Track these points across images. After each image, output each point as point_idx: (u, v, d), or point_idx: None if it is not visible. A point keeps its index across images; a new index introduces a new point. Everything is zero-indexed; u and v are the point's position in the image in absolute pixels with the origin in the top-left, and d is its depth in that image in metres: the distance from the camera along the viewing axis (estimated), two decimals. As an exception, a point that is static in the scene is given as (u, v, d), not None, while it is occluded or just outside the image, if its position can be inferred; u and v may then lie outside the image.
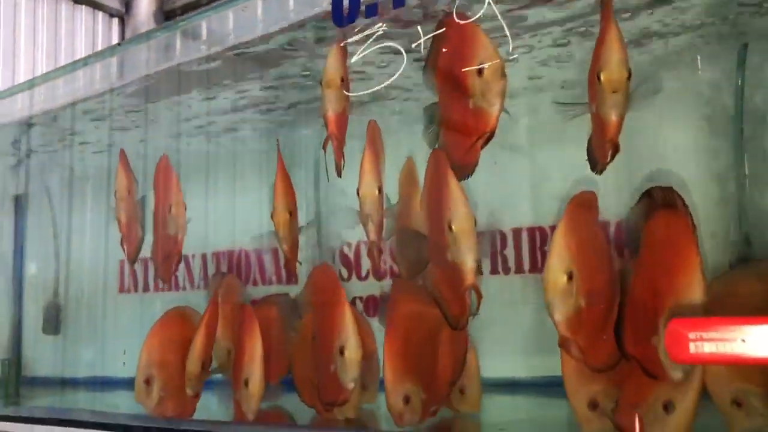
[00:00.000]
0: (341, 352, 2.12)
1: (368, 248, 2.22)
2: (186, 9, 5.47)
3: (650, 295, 1.60)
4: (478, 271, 1.83)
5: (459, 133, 1.85)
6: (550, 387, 2.33)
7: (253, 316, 2.36)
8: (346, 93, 2.08)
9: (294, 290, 2.59)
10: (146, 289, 3.76)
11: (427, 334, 2.06)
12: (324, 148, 2.10)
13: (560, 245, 1.69)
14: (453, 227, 1.80)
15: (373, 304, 3.06)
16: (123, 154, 3.00)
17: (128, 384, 3.49)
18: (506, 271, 2.98)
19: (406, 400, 1.99)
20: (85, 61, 3.63)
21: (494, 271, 2.97)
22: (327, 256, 3.31)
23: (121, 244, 2.98)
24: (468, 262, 1.80)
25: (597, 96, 1.64)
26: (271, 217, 2.49)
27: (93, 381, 3.66)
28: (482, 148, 1.81)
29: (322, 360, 2.20)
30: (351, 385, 2.13)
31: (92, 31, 5.62)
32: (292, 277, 2.78)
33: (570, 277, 1.66)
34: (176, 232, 2.72)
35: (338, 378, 2.12)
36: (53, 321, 3.96)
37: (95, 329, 3.72)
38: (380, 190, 2.13)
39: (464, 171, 1.85)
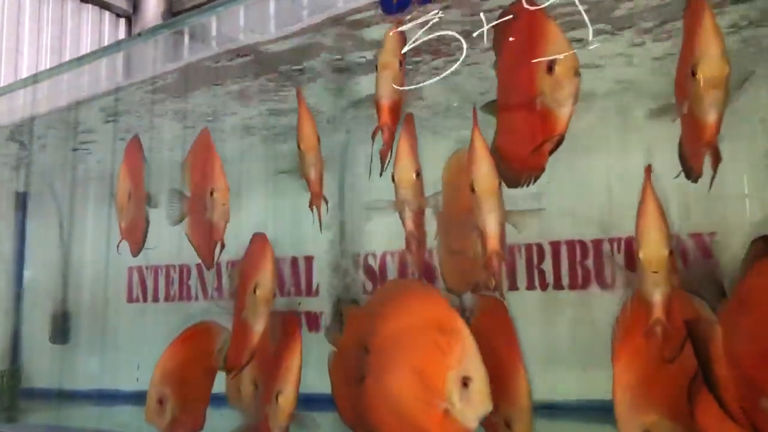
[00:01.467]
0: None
1: (405, 239, 1.93)
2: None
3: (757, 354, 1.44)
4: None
5: (520, 135, 1.70)
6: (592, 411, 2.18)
7: (298, 328, 2.18)
8: (401, 85, 1.89)
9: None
10: (156, 299, 3.60)
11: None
12: (373, 137, 1.89)
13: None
14: (475, 188, 1.65)
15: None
16: (132, 148, 2.74)
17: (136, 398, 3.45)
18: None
19: None
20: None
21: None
22: (351, 266, 3.16)
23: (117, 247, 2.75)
24: (491, 225, 1.65)
25: (690, 94, 1.49)
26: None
27: (99, 394, 3.51)
28: (551, 153, 1.65)
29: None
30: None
31: (98, 31, 5.49)
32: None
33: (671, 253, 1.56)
34: (218, 219, 2.36)
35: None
36: (61, 330, 3.81)
37: (104, 339, 3.56)
38: (418, 175, 1.89)
39: (526, 175, 1.70)
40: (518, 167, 1.74)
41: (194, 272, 3.63)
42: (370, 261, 3.23)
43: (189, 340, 2.43)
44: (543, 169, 1.70)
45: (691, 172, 1.61)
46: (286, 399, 2.07)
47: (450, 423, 1.65)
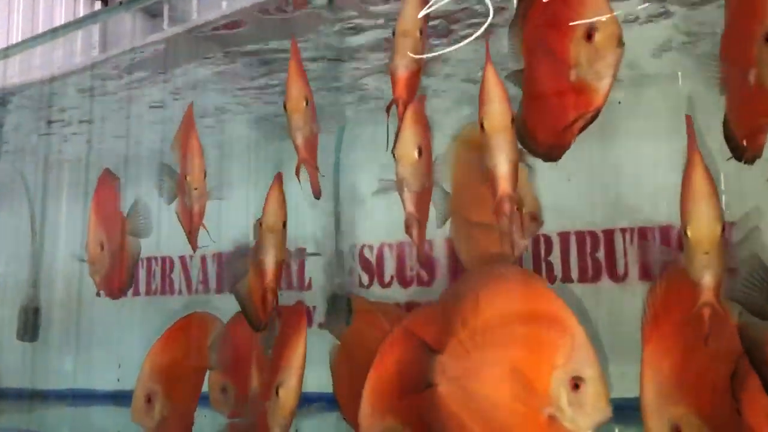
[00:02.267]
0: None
1: (405, 222, 1.76)
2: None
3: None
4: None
5: (550, 109, 1.56)
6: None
7: (304, 317, 2.03)
8: (418, 54, 1.73)
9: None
10: (136, 293, 3.42)
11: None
12: (387, 111, 1.75)
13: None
14: (485, 125, 1.54)
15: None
16: (103, 184, 2.53)
17: (114, 398, 3.28)
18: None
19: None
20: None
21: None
22: (347, 258, 3.01)
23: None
24: (501, 166, 1.52)
25: (759, 61, 1.34)
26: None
27: (72, 394, 3.33)
28: (581, 131, 1.50)
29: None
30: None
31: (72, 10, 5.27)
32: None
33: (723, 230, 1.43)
34: (193, 203, 2.21)
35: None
36: (30, 326, 3.61)
37: (79, 336, 3.38)
38: (421, 152, 1.75)
39: (552, 153, 1.59)
40: (546, 144, 1.60)
41: (177, 265, 3.46)
42: (366, 253, 3.07)
43: (181, 333, 2.27)
44: (569, 145, 1.56)
45: (744, 153, 1.46)
46: (288, 392, 1.91)
47: (557, 430, 1.45)
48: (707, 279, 1.44)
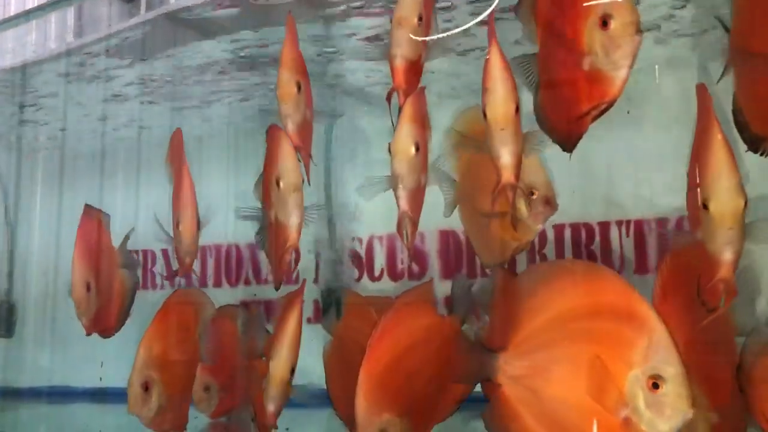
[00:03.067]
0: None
1: (398, 219, 1.71)
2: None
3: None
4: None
5: (564, 97, 1.50)
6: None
7: (300, 296, 2.00)
8: (419, 42, 1.68)
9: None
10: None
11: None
12: (387, 100, 1.70)
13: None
14: (487, 114, 1.49)
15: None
16: (87, 220, 2.37)
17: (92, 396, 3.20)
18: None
19: None
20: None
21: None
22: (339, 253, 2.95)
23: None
24: (504, 157, 1.49)
25: None
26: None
27: (50, 392, 3.24)
28: (595, 120, 1.45)
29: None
30: (271, 408, 1.86)
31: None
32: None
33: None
34: (184, 254, 2.17)
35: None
36: (4, 322, 3.52)
37: (56, 332, 3.29)
38: (418, 148, 1.69)
39: (566, 142, 1.53)
40: (561, 132, 1.54)
41: (160, 258, 3.39)
42: (356, 246, 3.02)
43: (173, 315, 2.18)
44: (581, 137, 1.50)
45: (761, 144, 1.42)
46: (279, 363, 1.88)
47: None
48: (728, 255, 1.40)
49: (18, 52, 3.28)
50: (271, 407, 1.85)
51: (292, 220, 1.86)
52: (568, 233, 2.68)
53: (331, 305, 2.73)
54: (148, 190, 2.99)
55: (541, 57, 1.57)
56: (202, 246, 3.21)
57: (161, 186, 2.98)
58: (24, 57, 3.22)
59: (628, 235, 2.61)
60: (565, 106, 1.49)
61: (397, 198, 1.70)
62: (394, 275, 2.95)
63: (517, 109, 1.48)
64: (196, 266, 3.22)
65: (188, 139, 3.17)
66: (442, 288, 2.02)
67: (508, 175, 1.48)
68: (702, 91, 1.50)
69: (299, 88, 1.84)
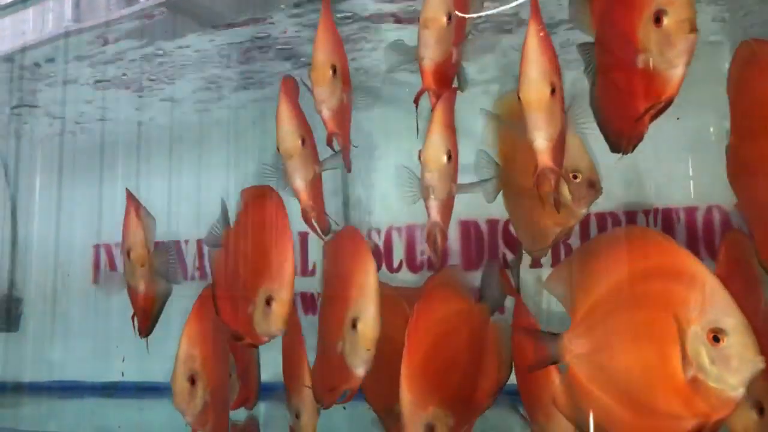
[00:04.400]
0: (353, 325, 1.71)
1: (427, 230, 1.69)
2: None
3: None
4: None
5: (620, 95, 1.48)
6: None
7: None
8: (449, 43, 1.65)
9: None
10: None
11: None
12: (415, 103, 1.68)
13: None
14: (521, 96, 1.45)
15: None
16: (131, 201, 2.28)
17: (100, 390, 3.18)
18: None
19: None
20: None
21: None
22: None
23: (132, 319, 2.31)
24: (539, 141, 1.45)
25: None
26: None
27: (59, 386, 3.21)
28: (653, 120, 1.42)
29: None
30: (361, 372, 1.73)
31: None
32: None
33: None
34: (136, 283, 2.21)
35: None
36: (8, 315, 3.47)
37: (66, 326, 3.25)
38: (450, 157, 1.67)
39: (624, 144, 1.51)
40: (617, 132, 1.52)
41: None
42: (374, 237, 2.98)
43: (210, 307, 2.01)
44: (641, 138, 1.48)
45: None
46: (283, 304, 1.80)
47: (704, 395, 1.31)
48: None
49: (15, 38, 3.20)
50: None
51: (297, 183, 1.84)
52: (593, 223, 2.64)
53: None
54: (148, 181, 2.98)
55: (597, 49, 1.54)
56: (199, 239, 3.19)
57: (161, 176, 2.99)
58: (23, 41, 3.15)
59: (656, 225, 2.58)
60: (623, 104, 1.46)
61: (428, 208, 1.68)
62: (414, 266, 2.93)
63: (553, 91, 1.44)
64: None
65: (186, 131, 3.20)
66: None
67: (544, 160, 1.45)
68: None
69: (335, 71, 1.77)
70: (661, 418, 1.37)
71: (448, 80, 1.70)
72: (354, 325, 1.67)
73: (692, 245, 2.53)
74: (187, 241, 3.23)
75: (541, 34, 1.45)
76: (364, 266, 1.74)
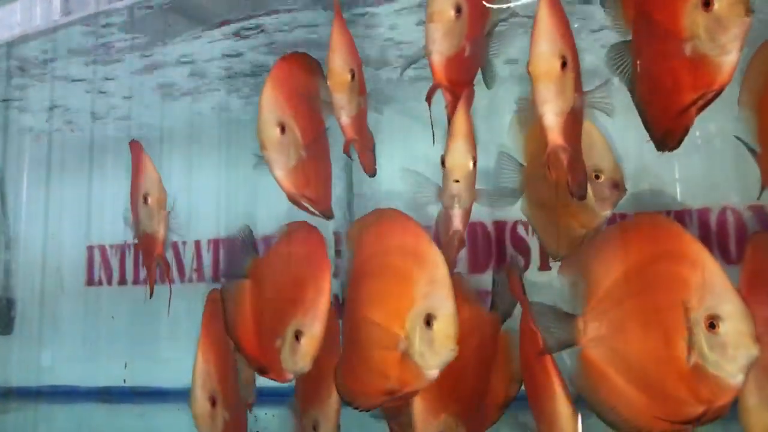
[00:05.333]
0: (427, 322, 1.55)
1: (449, 238, 1.60)
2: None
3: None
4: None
5: (662, 89, 1.36)
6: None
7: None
8: (459, 38, 1.54)
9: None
10: (123, 281, 3.15)
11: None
12: (427, 101, 1.57)
13: None
14: (530, 70, 1.36)
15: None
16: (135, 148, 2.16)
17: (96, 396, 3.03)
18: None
19: None
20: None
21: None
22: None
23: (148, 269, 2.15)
24: (548, 117, 1.35)
25: None
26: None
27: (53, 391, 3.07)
28: (701, 110, 1.31)
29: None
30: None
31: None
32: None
33: None
34: (154, 228, 2.03)
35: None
36: (3, 318, 3.33)
37: (58, 329, 3.11)
38: (475, 164, 1.56)
39: (669, 139, 1.39)
40: (661, 129, 1.40)
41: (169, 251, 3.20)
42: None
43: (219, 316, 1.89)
44: (687, 131, 1.36)
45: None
46: (313, 340, 1.66)
47: (705, 381, 1.29)
48: None
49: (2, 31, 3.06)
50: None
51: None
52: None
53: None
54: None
55: (634, 45, 1.43)
56: (215, 239, 3.08)
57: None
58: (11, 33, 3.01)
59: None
60: (666, 98, 1.34)
61: (451, 216, 1.59)
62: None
63: (564, 65, 1.33)
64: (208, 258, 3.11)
65: (177, 130, 3.07)
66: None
67: (554, 137, 1.34)
68: None
69: (353, 75, 1.68)
70: (671, 403, 1.35)
71: (462, 76, 1.59)
72: (428, 323, 1.48)
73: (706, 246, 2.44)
74: (185, 243, 3.09)
75: (555, 5, 1.36)
76: (432, 256, 1.53)
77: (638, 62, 1.41)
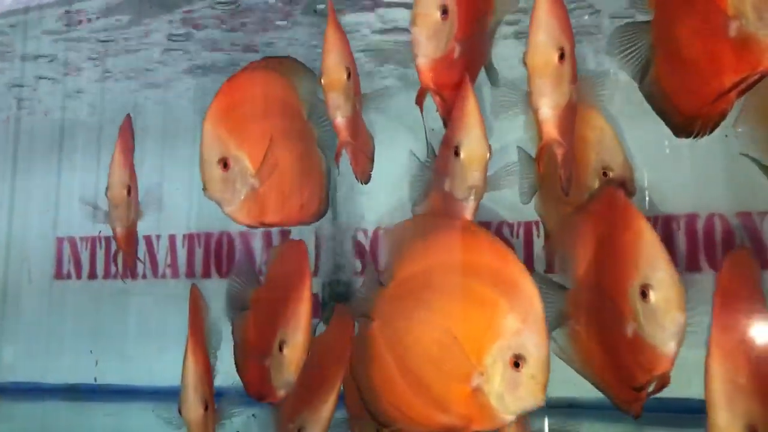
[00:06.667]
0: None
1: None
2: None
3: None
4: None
5: (697, 71, 1.24)
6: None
7: (305, 257, 1.68)
8: (447, 40, 1.43)
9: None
10: (93, 275, 2.96)
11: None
12: (417, 103, 1.48)
13: None
14: (527, 62, 1.27)
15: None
16: (126, 126, 1.99)
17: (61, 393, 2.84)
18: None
19: None
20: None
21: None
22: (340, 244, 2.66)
23: (114, 260, 2.00)
24: (544, 110, 1.27)
25: None
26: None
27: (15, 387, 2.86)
28: (741, 95, 1.20)
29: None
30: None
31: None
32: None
33: None
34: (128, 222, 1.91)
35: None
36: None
37: (25, 323, 2.91)
38: (490, 154, 1.47)
39: (691, 126, 1.28)
40: (686, 114, 1.29)
41: (143, 245, 3.02)
42: (360, 238, 2.73)
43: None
44: (725, 117, 1.24)
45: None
46: (295, 349, 1.60)
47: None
48: None
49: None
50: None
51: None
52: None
53: (332, 299, 2.45)
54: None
55: (658, 26, 1.31)
56: (190, 234, 2.91)
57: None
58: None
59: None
60: (700, 81, 1.22)
61: (463, 209, 1.47)
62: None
63: (562, 57, 1.25)
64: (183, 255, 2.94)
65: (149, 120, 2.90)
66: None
67: (549, 130, 1.26)
68: None
69: (348, 75, 1.55)
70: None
71: (452, 78, 1.47)
72: (516, 363, 1.31)
73: (692, 253, 2.39)
74: (158, 236, 2.91)
75: None
76: (528, 289, 1.36)
77: (662, 44, 1.30)
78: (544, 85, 1.26)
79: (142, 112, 2.96)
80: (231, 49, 2.70)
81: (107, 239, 2.95)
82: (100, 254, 3.00)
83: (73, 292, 3.04)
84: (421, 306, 1.39)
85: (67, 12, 2.60)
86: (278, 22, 2.59)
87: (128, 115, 1.93)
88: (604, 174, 1.63)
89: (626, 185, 1.64)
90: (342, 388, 1.76)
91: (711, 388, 1.29)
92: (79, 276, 3.04)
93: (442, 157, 1.52)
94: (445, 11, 1.42)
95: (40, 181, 3.01)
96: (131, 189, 1.91)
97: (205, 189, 1.58)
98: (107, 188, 1.89)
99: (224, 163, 1.59)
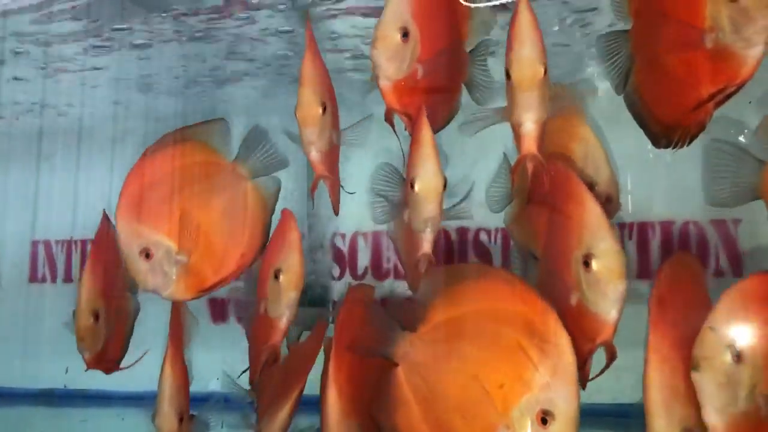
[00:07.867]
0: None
1: (418, 263, 1.48)
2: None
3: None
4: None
5: (675, 81, 1.25)
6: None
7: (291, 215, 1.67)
8: (411, 61, 1.42)
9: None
10: (68, 278, 2.88)
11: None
12: (387, 121, 1.48)
13: None
14: (510, 74, 1.26)
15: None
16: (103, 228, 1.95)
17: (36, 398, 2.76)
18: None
19: None
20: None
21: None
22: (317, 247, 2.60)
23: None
24: (526, 124, 1.27)
25: None
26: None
27: None
28: (718, 106, 1.18)
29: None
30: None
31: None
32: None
33: None
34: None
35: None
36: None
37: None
38: (445, 185, 1.47)
39: (669, 136, 1.29)
40: (664, 123, 1.29)
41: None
42: (338, 242, 2.67)
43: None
44: (703, 128, 1.24)
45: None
46: (292, 275, 1.58)
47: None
48: None
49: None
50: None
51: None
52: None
53: (310, 303, 2.39)
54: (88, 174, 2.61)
55: (637, 34, 1.28)
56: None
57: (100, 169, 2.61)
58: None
59: (630, 238, 2.36)
60: (678, 92, 1.20)
61: (421, 240, 1.44)
62: (379, 274, 2.62)
63: (545, 72, 1.24)
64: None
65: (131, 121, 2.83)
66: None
67: (529, 145, 1.27)
68: None
69: (324, 109, 1.51)
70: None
71: (416, 99, 1.45)
72: (543, 420, 1.26)
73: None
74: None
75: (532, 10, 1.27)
76: (561, 341, 1.30)
77: (641, 53, 1.28)
78: (532, 100, 1.25)
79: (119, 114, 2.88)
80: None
81: (83, 242, 2.90)
82: (75, 258, 2.93)
83: (47, 295, 2.97)
84: (452, 353, 1.36)
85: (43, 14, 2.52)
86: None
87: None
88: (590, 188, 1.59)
89: (611, 201, 1.61)
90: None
91: (648, 396, 1.29)
92: (54, 280, 2.97)
93: (402, 188, 1.51)
94: (405, 34, 1.39)
95: (16, 182, 2.94)
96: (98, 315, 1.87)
97: (138, 284, 1.56)
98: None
99: (146, 254, 1.56)
